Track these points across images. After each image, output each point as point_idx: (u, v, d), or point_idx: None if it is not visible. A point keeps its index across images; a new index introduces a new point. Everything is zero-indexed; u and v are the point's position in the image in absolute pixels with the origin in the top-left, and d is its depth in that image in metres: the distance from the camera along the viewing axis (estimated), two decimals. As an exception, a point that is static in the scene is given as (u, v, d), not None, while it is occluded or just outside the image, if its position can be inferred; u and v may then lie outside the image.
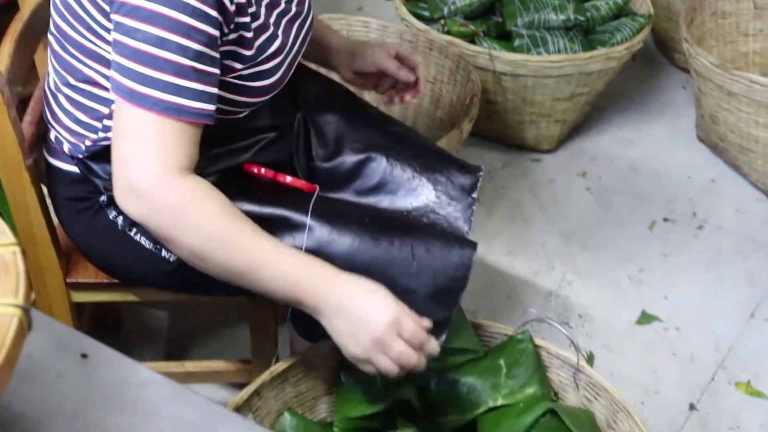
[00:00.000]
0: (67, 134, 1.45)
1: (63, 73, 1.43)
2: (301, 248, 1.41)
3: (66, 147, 1.46)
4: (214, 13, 1.26)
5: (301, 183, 1.50)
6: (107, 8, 1.30)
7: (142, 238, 1.49)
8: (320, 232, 1.41)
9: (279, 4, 1.44)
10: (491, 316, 2.12)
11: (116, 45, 1.27)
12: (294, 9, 1.48)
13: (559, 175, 2.60)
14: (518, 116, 2.57)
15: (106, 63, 1.35)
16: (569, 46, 2.50)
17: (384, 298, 1.28)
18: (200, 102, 1.27)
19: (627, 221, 2.44)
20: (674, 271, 2.28)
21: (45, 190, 1.56)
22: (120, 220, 1.48)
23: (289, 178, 1.50)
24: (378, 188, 1.60)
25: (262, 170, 1.50)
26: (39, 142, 1.54)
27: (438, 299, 1.42)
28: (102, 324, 1.99)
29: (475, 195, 1.61)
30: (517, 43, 2.51)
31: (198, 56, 1.26)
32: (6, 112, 1.40)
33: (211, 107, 1.29)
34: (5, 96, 1.39)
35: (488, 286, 2.23)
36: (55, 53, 1.44)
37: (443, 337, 1.43)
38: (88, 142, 1.42)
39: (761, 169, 2.47)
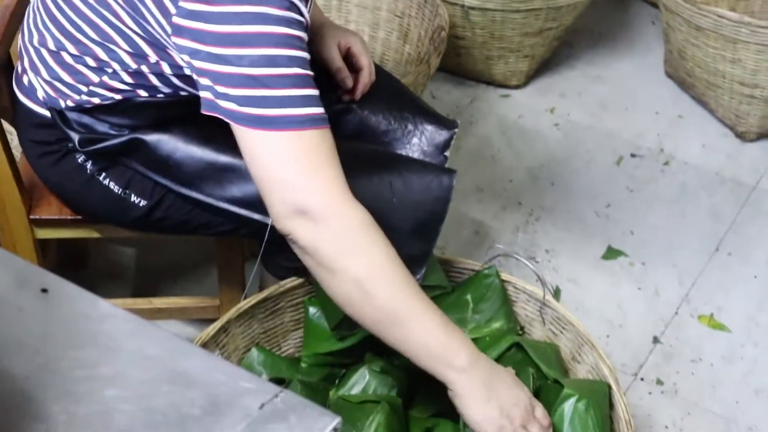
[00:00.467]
0: (48, 88, 1.41)
1: (61, 38, 1.36)
2: None
3: (41, 95, 1.42)
4: (301, 18, 1.23)
5: None
6: (172, 9, 1.22)
7: (111, 183, 1.47)
8: None
9: None
10: (458, 252, 2.12)
11: (220, 78, 1.20)
12: None
13: (527, 111, 2.59)
14: (487, 51, 2.55)
15: (116, 44, 1.31)
16: (538, -20, 2.47)
17: (518, 382, 1.31)
18: (320, 107, 1.23)
19: (594, 157, 2.44)
20: (640, 206, 2.29)
21: (6, 125, 1.54)
22: (89, 164, 1.46)
23: None
24: (353, 139, 1.58)
25: None
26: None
27: (418, 233, 1.42)
28: (68, 261, 1.97)
29: (447, 153, 1.61)
30: (485, -23, 2.47)
31: (305, 63, 1.22)
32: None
33: (322, 110, 1.24)
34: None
35: (456, 221, 2.22)
36: (53, 18, 1.37)
37: (422, 272, 1.43)
38: (69, 102, 1.39)
39: (727, 105, 2.47)
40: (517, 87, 2.66)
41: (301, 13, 1.23)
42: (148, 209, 1.47)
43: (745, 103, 2.42)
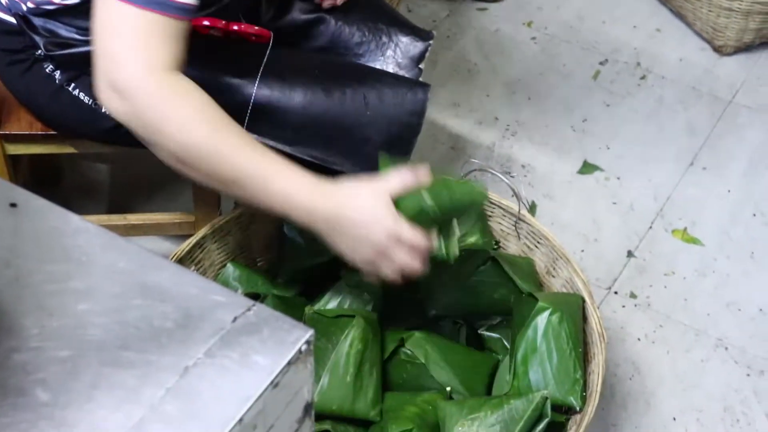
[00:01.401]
0: None
1: None
2: (249, 104, 1.38)
3: (3, 0, 1.39)
4: None
5: (253, 29, 1.44)
6: None
7: (81, 94, 1.45)
8: (270, 88, 1.39)
9: None
10: (434, 167, 2.10)
11: None
12: None
13: (504, 24, 2.56)
14: (464, -37, 2.51)
15: None
16: None
17: (376, 219, 1.21)
18: None
19: (572, 71, 2.43)
20: (617, 120, 2.29)
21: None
22: (57, 74, 1.43)
23: (240, 26, 1.44)
24: (326, 50, 1.57)
25: (206, 22, 1.42)
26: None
27: (392, 146, 1.41)
28: (40, 178, 1.95)
29: (422, 66, 1.59)
30: None
31: None
32: None
33: (194, 1, 1.19)
34: None
35: (432, 136, 2.22)
36: None
37: None
38: (30, 4, 1.35)
39: (705, 18, 2.45)
40: (494, 0, 2.62)
41: None
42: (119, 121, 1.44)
43: (723, 17, 2.40)
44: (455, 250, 1.31)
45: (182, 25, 1.19)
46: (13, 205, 0.90)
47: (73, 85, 1.44)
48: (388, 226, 1.21)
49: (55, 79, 1.44)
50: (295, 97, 1.39)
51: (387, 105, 1.41)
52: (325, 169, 1.41)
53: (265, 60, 1.40)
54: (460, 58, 2.44)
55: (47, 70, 1.44)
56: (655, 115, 2.31)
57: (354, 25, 1.59)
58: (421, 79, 1.58)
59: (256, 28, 1.45)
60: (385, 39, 1.59)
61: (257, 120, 1.40)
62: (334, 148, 1.41)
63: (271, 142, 1.40)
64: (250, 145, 1.20)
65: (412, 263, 1.24)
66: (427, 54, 1.61)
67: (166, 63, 1.17)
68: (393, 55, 1.59)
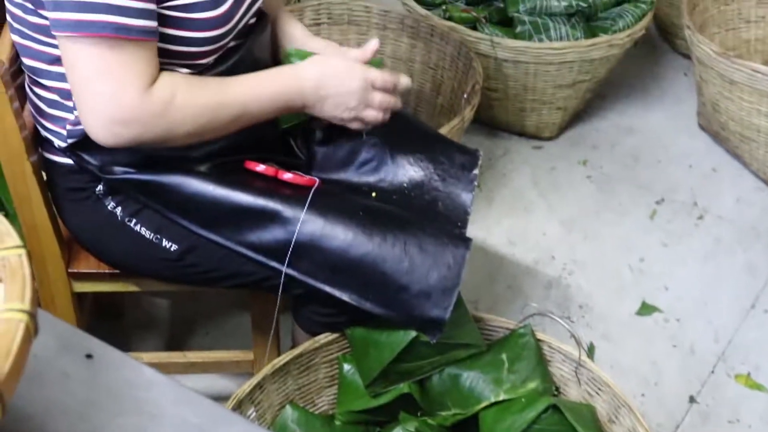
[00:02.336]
0: (49, 123, 1.45)
1: (28, 61, 1.42)
2: (292, 241, 1.42)
3: (53, 138, 1.46)
4: None
5: (301, 180, 1.49)
6: None
7: (143, 228, 1.49)
8: (313, 225, 1.42)
9: None
10: (492, 306, 2.12)
11: None
12: None
13: (560, 162, 2.60)
14: (519, 103, 2.57)
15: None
16: (571, 32, 2.50)
17: (350, 68, 1.47)
18: (143, 19, 1.28)
19: (628, 210, 2.44)
20: (675, 260, 2.29)
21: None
22: (119, 210, 1.49)
23: (289, 175, 1.49)
24: (378, 167, 1.60)
25: (262, 167, 1.49)
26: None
27: (431, 297, 1.43)
28: (103, 312, 1.99)
29: (476, 171, 1.62)
30: (518, 29, 2.50)
31: None
32: (8, 104, 1.39)
33: (153, 24, 1.30)
34: (7, 87, 1.38)
35: (488, 275, 2.23)
36: (18, 45, 1.42)
37: (438, 335, 1.43)
38: (68, 126, 1.42)
39: (762, 159, 2.47)
40: (549, 138, 2.67)
41: None
42: (180, 254, 1.48)
43: (780, 158, 2.41)
44: None
45: (150, 49, 1.31)
46: (89, 356, 0.93)
47: (134, 220, 1.49)
48: (360, 72, 1.47)
49: (117, 216, 1.49)
50: (336, 238, 1.42)
51: (427, 255, 1.43)
52: (358, 310, 1.44)
53: (309, 200, 1.44)
54: (516, 196, 2.47)
55: (109, 208, 1.49)
56: (714, 255, 2.31)
57: (405, 141, 1.63)
58: (474, 195, 1.61)
59: (306, 177, 1.50)
60: (436, 153, 1.63)
61: (297, 256, 1.43)
62: (370, 292, 1.44)
63: (308, 279, 1.44)
64: (232, 81, 1.40)
65: (389, 98, 1.49)
66: (479, 163, 1.64)
67: (151, 78, 1.31)
68: (445, 167, 1.62)
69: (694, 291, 2.21)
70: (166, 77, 1.33)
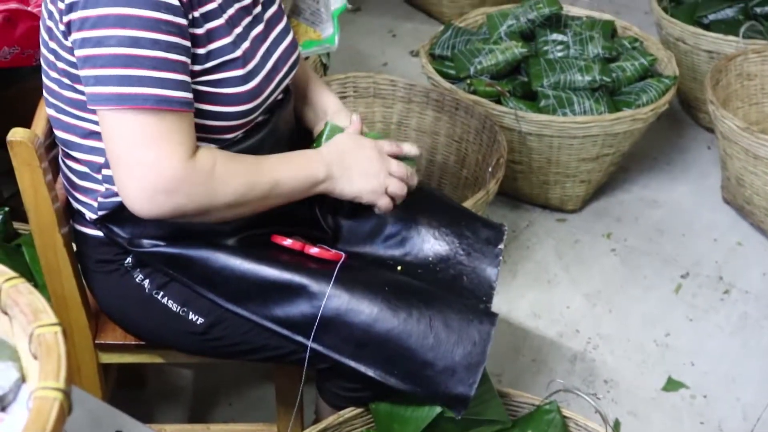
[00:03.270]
0: (80, 195, 1.47)
1: (62, 135, 1.44)
2: (318, 315, 1.43)
3: (84, 210, 1.48)
4: (175, 2, 1.30)
5: (327, 254, 1.50)
6: (70, 42, 1.32)
7: (170, 301, 1.50)
8: (339, 300, 1.43)
9: (244, 17, 1.45)
10: (516, 379, 2.11)
11: (88, 60, 1.29)
12: (260, 29, 1.49)
13: (584, 235, 2.60)
14: (543, 176, 2.58)
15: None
16: (595, 107, 2.52)
17: (357, 139, 1.53)
18: (182, 91, 1.31)
19: (653, 283, 2.43)
20: (701, 335, 2.27)
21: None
22: (147, 283, 1.50)
23: (315, 250, 1.51)
24: (404, 241, 1.62)
25: (289, 241, 1.51)
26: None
27: (456, 374, 1.43)
28: (126, 381, 1.99)
29: (501, 246, 1.63)
30: (542, 103, 2.53)
31: (170, 47, 1.29)
32: (42, 176, 1.42)
33: (191, 95, 1.33)
34: (42, 160, 1.40)
35: (513, 348, 2.22)
36: (53, 119, 1.45)
37: (463, 412, 1.43)
38: (100, 198, 1.44)
39: (788, 233, 2.47)
40: (573, 211, 2.68)
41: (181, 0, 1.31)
42: (206, 327, 1.49)
43: (806, 232, 2.41)
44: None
45: (188, 119, 1.34)
46: (119, 433, 0.93)
47: (161, 293, 1.50)
48: (368, 140, 1.53)
49: (145, 288, 1.50)
50: (361, 313, 1.43)
51: (452, 331, 1.44)
52: (383, 385, 1.44)
53: (335, 274, 1.45)
54: (540, 269, 2.47)
55: (137, 280, 1.51)
56: (740, 330, 2.29)
57: (430, 215, 1.64)
58: (499, 270, 1.61)
59: (332, 252, 1.51)
60: (461, 228, 1.64)
61: (322, 331, 1.44)
62: (395, 367, 1.44)
63: (334, 354, 1.44)
64: (266, 159, 1.43)
65: (403, 168, 1.54)
66: (504, 237, 1.65)
67: (192, 148, 1.33)
68: (470, 242, 1.63)
69: (721, 367, 2.19)
70: (205, 149, 1.36)
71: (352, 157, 1.50)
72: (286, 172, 1.43)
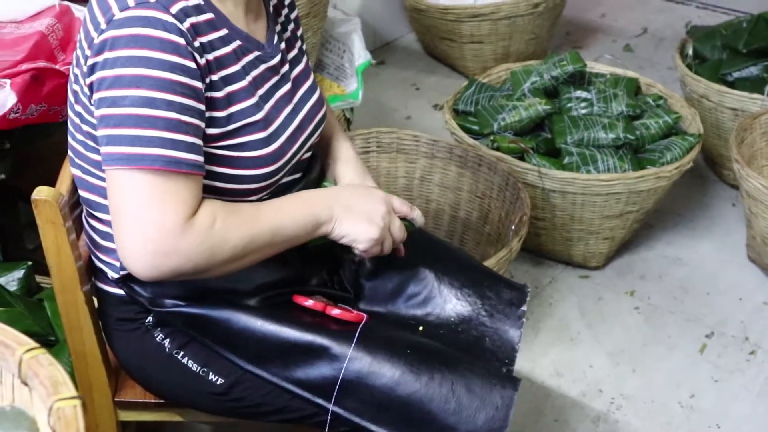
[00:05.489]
0: (103, 254, 1.47)
1: (86, 194, 1.44)
2: (339, 378, 1.41)
3: (106, 269, 1.48)
4: (192, 64, 1.29)
5: (349, 315, 1.49)
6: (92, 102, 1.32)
7: (190, 361, 1.49)
8: (361, 363, 1.42)
9: (271, 78, 1.45)
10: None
11: (103, 120, 1.29)
12: (286, 89, 1.48)
13: (607, 292, 2.58)
14: (566, 233, 2.57)
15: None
16: (619, 164, 2.51)
17: (370, 189, 1.52)
18: (192, 153, 1.30)
19: (677, 343, 2.40)
20: (726, 397, 2.23)
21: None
22: (167, 342, 1.49)
23: (337, 311, 1.49)
24: (426, 301, 1.61)
25: (311, 302, 1.50)
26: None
27: None
28: (145, 437, 1.98)
29: (524, 308, 1.62)
30: (566, 160, 2.52)
31: (184, 109, 1.28)
32: (65, 235, 1.42)
33: (201, 159, 1.32)
34: (66, 219, 1.41)
35: (535, 407, 2.19)
36: (77, 178, 1.46)
37: None
38: (123, 272, 1.45)
39: (815, 294, 2.43)
40: (596, 268, 2.66)
41: (194, 59, 1.29)
42: (226, 388, 1.48)
43: (833, 293, 2.37)
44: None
45: (196, 182, 1.31)
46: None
47: (182, 353, 1.49)
48: (382, 192, 1.52)
49: (165, 348, 1.50)
50: (383, 376, 1.42)
51: (474, 396, 1.42)
52: None
53: (356, 337, 1.44)
54: (563, 326, 2.45)
55: (157, 339, 1.50)
56: (767, 393, 2.25)
57: (452, 275, 1.63)
58: (521, 330, 1.60)
59: (354, 313, 1.50)
60: (484, 288, 1.63)
61: (343, 394, 1.42)
62: (415, 431, 1.42)
63: (354, 417, 1.42)
64: (265, 205, 1.39)
65: (403, 232, 1.52)
66: (527, 299, 1.63)
67: (194, 209, 1.30)
68: (493, 303, 1.61)
69: (747, 430, 2.15)
70: (206, 204, 1.33)
71: (359, 202, 1.47)
72: (287, 217, 1.40)
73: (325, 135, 1.68)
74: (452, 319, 1.60)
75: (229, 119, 1.36)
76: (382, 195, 1.51)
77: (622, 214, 2.52)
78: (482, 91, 2.82)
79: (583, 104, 2.71)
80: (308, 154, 1.56)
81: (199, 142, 1.32)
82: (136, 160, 1.27)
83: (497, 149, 2.54)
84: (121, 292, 1.48)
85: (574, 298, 2.55)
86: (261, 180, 1.41)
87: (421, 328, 1.57)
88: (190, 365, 1.49)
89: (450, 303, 1.61)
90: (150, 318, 1.49)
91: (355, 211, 1.46)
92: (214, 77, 1.34)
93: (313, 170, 1.56)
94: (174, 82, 1.28)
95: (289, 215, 1.40)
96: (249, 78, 1.40)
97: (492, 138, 2.60)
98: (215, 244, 1.32)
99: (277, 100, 1.45)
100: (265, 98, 1.43)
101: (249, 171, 1.40)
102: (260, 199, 1.44)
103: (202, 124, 1.33)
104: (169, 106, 1.27)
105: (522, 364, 2.27)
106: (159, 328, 1.50)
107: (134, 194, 1.28)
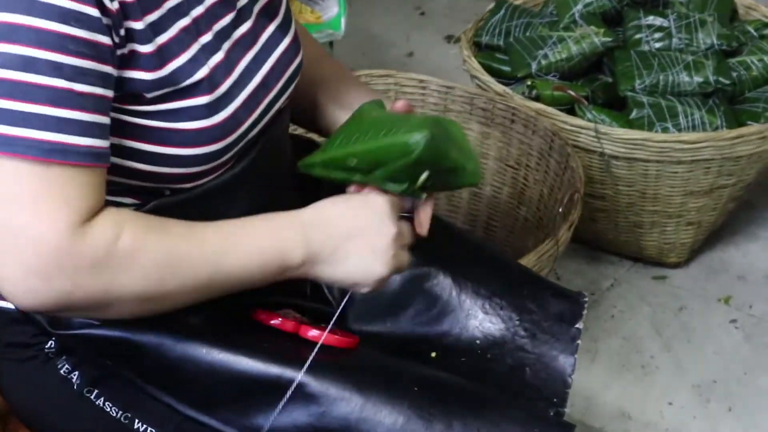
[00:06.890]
0: None
1: None
2: (317, 428, 1.40)
3: None
4: (93, 11, 1.25)
5: (333, 339, 1.47)
6: None
7: (107, 404, 1.49)
8: (349, 406, 1.41)
9: (222, 14, 1.43)
10: None
11: None
12: (245, 29, 1.46)
13: (692, 299, 2.60)
14: (634, 216, 2.58)
15: None
16: (708, 120, 2.51)
17: (363, 196, 1.42)
18: (89, 137, 1.26)
19: (790, 370, 2.42)
20: None
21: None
22: (75, 377, 1.48)
23: (315, 332, 1.47)
24: (440, 316, 1.61)
25: (278, 319, 1.48)
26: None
27: None
28: None
29: (579, 325, 1.61)
30: (634, 114, 2.52)
31: (78, 74, 1.25)
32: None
33: (105, 143, 1.28)
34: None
35: (593, 463, 2.21)
36: None
37: None
38: None
39: None
40: (676, 266, 2.68)
41: (98, 3, 1.25)
42: None
43: None
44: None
45: (97, 175, 1.28)
46: None
47: (96, 391, 1.48)
48: (380, 195, 1.41)
49: (73, 384, 1.49)
50: (380, 425, 1.41)
51: None
52: None
53: (342, 369, 1.44)
54: (630, 349, 2.47)
55: (62, 372, 1.49)
56: None
57: (478, 281, 1.63)
58: (575, 357, 1.60)
59: (340, 334, 1.48)
60: (522, 299, 1.64)
61: None
62: None
63: None
64: (206, 227, 1.33)
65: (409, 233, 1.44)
66: (584, 313, 1.63)
67: (89, 212, 1.26)
68: (534, 319, 1.62)
69: None
70: (111, 213, 1.30)
71: (355, 226, 1.40)
72: (238, 251, 1.35)
73: (329, 84, 1.67)
74: (477, 342, 1.60)
75: (162, 82, 1.34)
76: (382, 204, 1.42)
77: (713, 190, 2.53)
78: (516, 17, 2.81)
79: (657, 35, 2.71)
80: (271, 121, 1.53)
81: (103, 119, 1.29)
82: (7, 144, 1.24)
83: (537, 99, 2.54)
84: (10, 306, 1.47)
85: (647, 309, 2.57)
86: (203, 162, 1.39)
87: (434, 354, 1.58)
88: (107, 409, 1.48)
89: (474, 319, 1.61)
90: (51, 343, 1.48)
91: (352, 245, 1.39)
92: (137, 25, 1.31)
93: (275, 138, 1.54)
94: (64, 36, 1.24)
95: (244, 248, 1.36)
96: (188, 19, 1.38)
97: (530, 83, 2.59)
98: (119, 268, 1.28)
99: (231, 48, 1.43)
100: (212, 47, 1.40)
101: (186, 149, 1.37)
102: (204, 193, 1.43)
103: (109, 93, 1.29)
104: (55, 70, 1.24)
105: (574, 402, 2.26)
106: (64, 357, 1.48)
107: (12, 186, 1.25)
